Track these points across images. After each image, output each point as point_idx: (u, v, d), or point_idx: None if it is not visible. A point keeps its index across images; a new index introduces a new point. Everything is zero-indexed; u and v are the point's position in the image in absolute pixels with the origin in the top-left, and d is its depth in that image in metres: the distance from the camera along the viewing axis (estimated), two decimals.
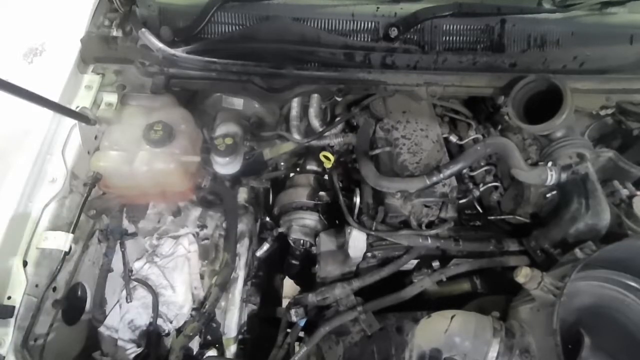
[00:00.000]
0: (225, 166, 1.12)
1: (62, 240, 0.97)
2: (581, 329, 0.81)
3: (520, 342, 0.82)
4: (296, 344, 1.10)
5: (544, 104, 1.07)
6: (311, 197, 1.24)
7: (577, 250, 0.91)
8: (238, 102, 1.22)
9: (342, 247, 1.12)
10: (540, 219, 1.14)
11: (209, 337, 1.15)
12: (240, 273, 1.17)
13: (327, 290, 1.08)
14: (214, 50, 1.19)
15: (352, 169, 1.25)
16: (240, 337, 1.15)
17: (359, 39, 1.30)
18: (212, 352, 1.12)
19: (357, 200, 1.13)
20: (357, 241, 1.06)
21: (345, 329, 1.03)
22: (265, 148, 1.25)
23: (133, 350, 1.07)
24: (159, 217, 1.21)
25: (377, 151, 1.14)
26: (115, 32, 1.28)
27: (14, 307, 0.89)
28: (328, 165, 1.17)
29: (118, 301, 1.12)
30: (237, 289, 1.15)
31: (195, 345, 1.13)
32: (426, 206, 1.08)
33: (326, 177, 1.31)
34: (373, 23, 1.30)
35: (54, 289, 0.98)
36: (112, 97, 1.13)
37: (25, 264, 0.93)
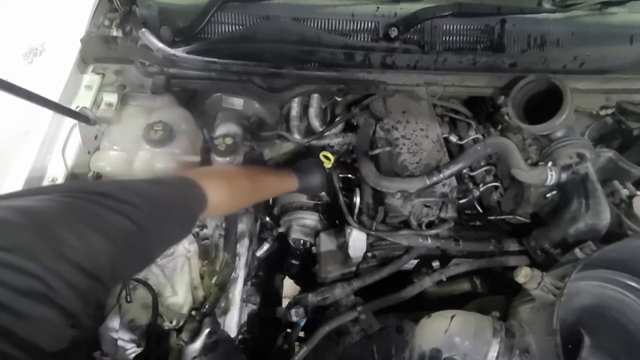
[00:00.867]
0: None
1: None
2: (581, 329, 0.81)
3: (520, 342, 0.82)
4: (296, 344, 1.10)
5: (544, 104, 1.07)
6: (311, 197, 1.24)
7: (577, 250, 0.91)
8: (238, 102, 1.22)
9: (342, 247, 1.12)
10: (540, 219, 1.14)
11: None
12: (240, 273, 1.17)
13: (327, 290, 1.08)
14: (214, 50, 1.19)
15: (352, 169, 1.25)
16: (240, 337, 1.15)
17: (359, 39, 1.31)
18: None
19: (357, 200, 1.13)
20: (357, 241, 1.06)
21: (345, 329, 1.03)
22: (265, 148, 1.25)
23: (133, 350, 1.06)
24: None
25: (377, 151, 1.14)
26: (115, 32, 1.28)
27: None
28: (328, 165, 1.17)
29: (118, 301, 1.12)
30: (237, 289, 1.15)
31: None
32: (426, 206, 1.08)
33: None
34: (373, 23, 1.30)
35: None
36: (112, 97, 1.12)
37: None
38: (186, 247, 1.15)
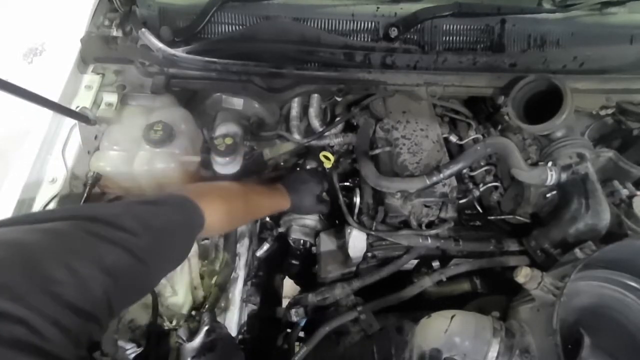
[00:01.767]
0: (225, 166, 1.11)
1: None
2: (581, 329, 0.81)
3: (520, 342, 0.82)
4: (296, 343, 1.10)
5: (544, 104, 1.07)
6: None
7: (577, 250, 0.91)
8: (238, 102, 1.22)
9: (342, 247, 1.12)
10: (540, 219, 1.14)
11: None
12: (240, 273, 1.17)
13: (327, 290, 1.08)
14: (214, 50, 1.19)
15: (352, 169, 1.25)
16: (240, 337, 1.15)
17: (359, 39, 1.30)
18: None
19: (357, 200, 1.13)
20: (357, 241, 1.07)
21: (345, 329, 1.03)
22: (265, 148, 1.25)
23: (133, 350, 1.06)
24: None
25: (377, 151, 1.14)
26: (115, 32, 1.28)
27: None
28: (328, 165, 1.17)
29: None
30: (237, 289, 1.15)
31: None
32: (426, 206, 1.08)
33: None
34: (373, 23, 1.30)
35: None
36: (112, 97, 1.12)
37: None
38: None
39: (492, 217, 1.20)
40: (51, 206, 1.00)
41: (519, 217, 1.14)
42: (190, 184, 1.07)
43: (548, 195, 1.10)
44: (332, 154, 1.19)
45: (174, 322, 1.11)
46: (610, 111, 1.25)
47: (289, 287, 1.61)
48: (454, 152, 1.21)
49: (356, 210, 1.13)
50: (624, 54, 1.31)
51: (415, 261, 1.13)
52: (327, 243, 1.16)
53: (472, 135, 1.24)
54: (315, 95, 1.23)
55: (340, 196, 1.13)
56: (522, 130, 1.20)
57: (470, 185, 1.20)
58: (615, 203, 1.04)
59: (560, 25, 1.33)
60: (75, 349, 0.46)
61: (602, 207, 0.99)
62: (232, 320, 1.13)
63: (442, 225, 1.09)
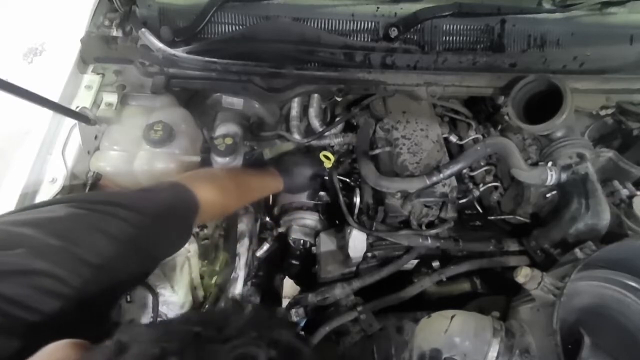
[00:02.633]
0: (226, 166, 1.11)
1: None
2: (581, 329, 0.81)
3: (520, 342, 0.82)
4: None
5: (544, 104, 1.07)
6: (311, 197, 1.24)
7: (577, 250, 0.91)
8: (238, 102, 1.22)
9: (342, 247, 1.12)
10: (540, 219, 1.14)
11: None
12: (240, 273, 1.16)
13: (327, 291, 1.08)
14: (214, 50, 1.19)
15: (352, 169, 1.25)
16: None
17: (359, 39, 1.30)
18: None
19: (357, 200, 1.13)
20: (357, 241, 1.06)
21: (345, 329, 1.03)
22: (265, 148, 1.25)
23: None
24: None
25: (377, 151, 1.14)
26: (115, 32, 1.28)
27: None
28: (328, 165, 1.17)
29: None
30: (237, 289, 1.14)
31: None
32: (426, 206, 1.08)
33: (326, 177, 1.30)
34: (373, 23, 1.30)
35: None
36: (112, 97, 1.12)
37: None
38: (186, 247, 1.15)
39: (492, 217, 1.20)
40: None
41: (519, 217, 1.15)
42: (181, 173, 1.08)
43: (548, 195, 1.10)
44: (332, 154, 1.19)
45: None
46: (610, 111, 1.25)
47: (289, 287, 1.61)
48: (454, 152, 1.21)
49: (356, 210, 1.13)
50: (624, 54, 1.31)
51: (415, 261, 1.13)
52: (327, 243, 1.16)
53: (472, 135, 1.24)
54: (315, 95, 1.23)
55: (340, 196, 1.13)
56: (522, 130, 1.20)
57: (470, 185, 1.20)
58: (615, 203, 1.04)
59: (560, 25, 1.33)
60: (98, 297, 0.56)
61: (602, 207, 0.99)
62: None
63: (442, 225, 1.09)
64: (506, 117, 1.24)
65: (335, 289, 1.07)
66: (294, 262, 1.26)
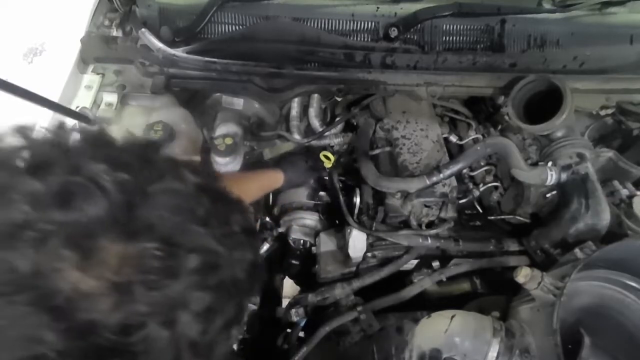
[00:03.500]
0: (225, 166, 1.11)
1: None
2: (581, 329, 0.81)
3: (520, 342, 0.82)
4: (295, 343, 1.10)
5: (544, 104, 1.07)
6: (311, 197, 1.24)
7: (577, 250, 0.91)
8: (238, 102, 1.22)
9: (342, 247, 1.12)
10: (540, 219, 1.14)
11: None
12: None
13: (327, 291, 1.08)
14: (214, 50, 1.19)
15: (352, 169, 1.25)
16: (240, 337, 1.15)
17: (359, 39, 1.30)
18: None
19: (357, 200, 1.13)
20: (357, 241, 1.06)
21: (345, 329, 1.03)
22: (265, 148, 1.25)
23: None
24: None
25: (377, 151, 1.14)
26: (115, 32, 1.28)
27: None
28: (328, 165, 1.17)
29: None
30: None
31: None
32: (426, 206, 1.08)
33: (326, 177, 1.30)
34: (373, 23, 1.30)
35: None
36: (112, 97, 1.13)
37: None
38: None
39: (492, 217, 1.19)
40: None
41: (519, 217, 1.14)
42: None
43: (548, 195, 1.10)
44: (332, 154, 1.19)
45: None
46: (610, 111, 1.25)
47: (289, 287, 1.61)
48: (454, 152, 1.21)
49: (356, 210, 1.12)
50: (624, 54, 1.31)
51: (415, 261, 1.12)
52: (327, 243, 1.16)
53: (472, 135, 1.24)
54: (315, 95, 1.23)
55: (341, 196, 1.13)
56: (522, 130, 1.20)
57: (470, 185, 1.20)
58: (615, 203, 1.04)
59: (560, 25, 1.33)
60: None
61: (602, 207, 0.99)
62: None
63: (442, 225, 1.09)
64: (506, 117, 1.24)
65: (335, 289, 1.07)
66: (294, 262, 1.26)
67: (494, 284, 1.10)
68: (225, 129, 1.17)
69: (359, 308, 1.03)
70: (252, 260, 0.42)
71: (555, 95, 1.04)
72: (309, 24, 1.28)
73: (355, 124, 1.24)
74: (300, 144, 1.23)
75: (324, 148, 1.24)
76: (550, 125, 1.04)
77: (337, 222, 1.24)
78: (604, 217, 0.99)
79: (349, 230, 1.07)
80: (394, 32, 1.25)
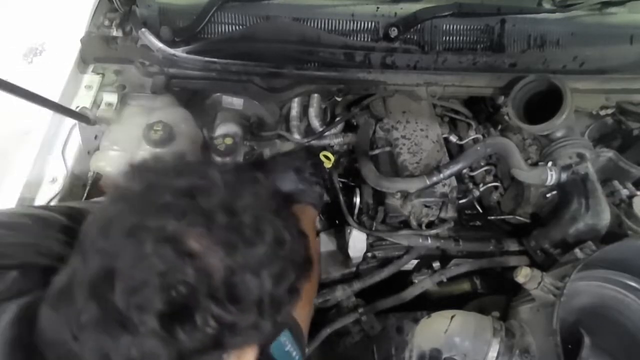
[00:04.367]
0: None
1: None
2: (581, 329, 0.81)
3: (520, 342, 0.82)
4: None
5: (544, 104, 1.07)
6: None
7: (577, 250, 0.91)
8: (238, 102, 1.22)
9: (342, 247, 1.12)
10: (540, 219, 1.14)
11: None
12: None
13: (328, 292, 1.08)
14: (214, 50, 1.19)
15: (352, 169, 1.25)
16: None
17: (359, 39, 1.30)
18: None
19: (357, 200, 1.13)
20: (357, 241, 1.06)
21: (346, 329, 1.03)
22: (265, 148, 1.25)
23: None
24: None
25: (377, 151, 1.14)
26: (115, 32, 1.28)
27: None
28: (328, 165, 1.17)
29: None
30: None
31: None
32: (426, 206, 1.08)
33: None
34: (373, 23, 1.30)
35: None
36: (112, 97, 1.12)
37: None
38: None
39: (492, 217, 1.19)
40: None
41: (519, 217, 1.15)
42: None
43: (548, 195, 1.10)
44: (332, 154, 1.19)
45: None
46: (610, 111, 1.25)
47: None
48: (454, 152, 1.21)
49: (356, 210, 1.12)
50: (624, 54, 1.31)
51: (415, 261, 1.12)
52: (327, 243, 1.16)
53: (472, 135, 1.24)
54: (315, 95, 1.23)
55: (340, 196, 1.13)
56: (522, 130, 1.20)
57: (470, 185, 1.20)
58: (615, 203, 1.04)
59: (560, 25, 1.33)
60: None
61: (602, 207, 0.99)
62: None
63: (442, 225, 1.09)
64: (506, 117, 1.24)
65: (336, 291, 1.07)
66: None
67: (494, 284, 1.10)
68: (225, 129, 1.17)
69: (360, 310, 1.03)
70: (305, 256, 0.57)
71: (555, 95, 1.04)
72: (309, 24, 1.28)
73: (355, 124, 1.24)
74: (300, 144, 1.23)
75: (324, 148, 1.24)
76: (550, 125, 1.04)
77: (337, 222, 1.24)
78: (604, 217, 0.99)
79: (349, 231, 1.07)
80: (394, 32, 1.25)
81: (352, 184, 1.20)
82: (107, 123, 1.12)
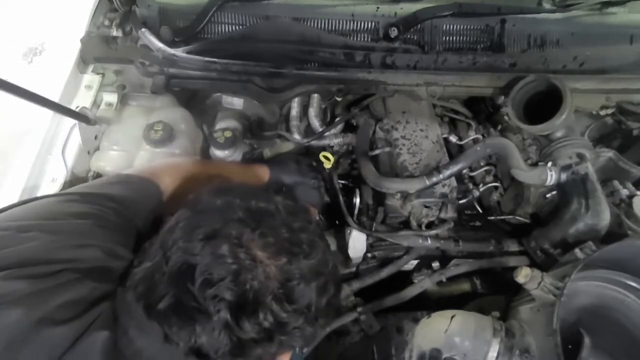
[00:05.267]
0: (225, 160, 1.11)
1: None
2: (581, 329, 0.81)
3: (520, 342, 0.82)
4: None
5: (544, 104, 1.07)
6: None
7: (577, 250, 0.91)
8: (238, 102, 1.22)
9: (342, 248, 1.12)
10: (540, 219, 1.14)
11: None
12: None
13: None
14: (214, 50, 1.19)
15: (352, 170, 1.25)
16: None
17: (359, 39, 1.30)
18: None
19: (357, 200, 1.13)
20: (357, 242, 1.06)
21: (345, 329, 1.03)
22: (265, 148, 1.25)
23: None
24: None
25: (377, 151, 1.14)
26: (115, 32, 1.28)
27: None
28: (328, 165, 1.17)
29: None
30: None
31: None
32: (426, 206, 1.08)
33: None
34: (373, 23, 1.30)
35: None
36: (112, 97, 1.12)
37: None
38: None
39: (492, 218, 1.20)
40: None
41: (519, 217, 1.14)
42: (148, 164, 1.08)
43: (548, 195, 1.10)
44: (332, 154, 1.19)
45: None
46: (610, 111, 1.25)
47: None
48: (454, 152, 1.21)
49: (356, 211, 1.12)
50: (624, 54, 1.31)
51: (415, 261, 1.12)
52: None
53: (472, 135, 1.24)
54: (315, 95, 1.23)
55: (340, 196, 1.13)
56: (522, 130, 1.20)
57: (470, 186, 1.20)
58: (615, 203, 1.04)
59: (560, 25, 1.33)
60: None
61: (602, 207, 0.99)
62: None
63: (442, 226, 1.09)
64: (506, 117, 1.24)
65: None
66: None
67: (494, 284, 1.10)
68: (224, 124, 1.17)
69: (359, 309, 1.03)
70: (338, 281, 0.66)
71: (555, 95, 1.04)
72: (309, 24, 1.28)
73: (355, 124, 1.24)
74: (300, 144, 1.23)
75: (324, 148, 1.24)
76: (550, 125, 1.04)
77: (337, 222, 1.24)
78: (604, 217, 0.99)
79: (348, 231, 1.07)
80: (394, 32, 1.25)
81: (352, 184, 1.20)
82: (107, 123, 1.12)
